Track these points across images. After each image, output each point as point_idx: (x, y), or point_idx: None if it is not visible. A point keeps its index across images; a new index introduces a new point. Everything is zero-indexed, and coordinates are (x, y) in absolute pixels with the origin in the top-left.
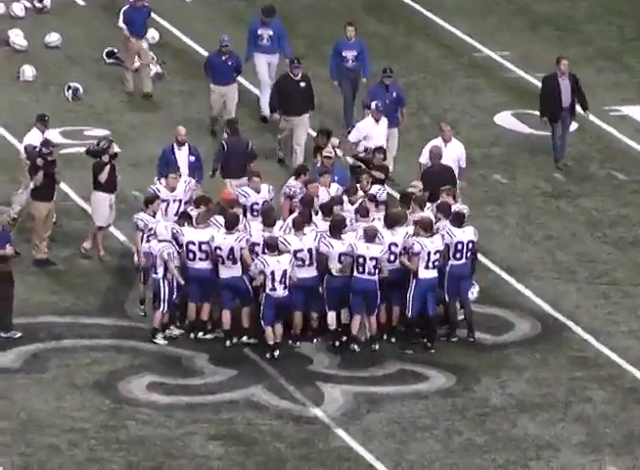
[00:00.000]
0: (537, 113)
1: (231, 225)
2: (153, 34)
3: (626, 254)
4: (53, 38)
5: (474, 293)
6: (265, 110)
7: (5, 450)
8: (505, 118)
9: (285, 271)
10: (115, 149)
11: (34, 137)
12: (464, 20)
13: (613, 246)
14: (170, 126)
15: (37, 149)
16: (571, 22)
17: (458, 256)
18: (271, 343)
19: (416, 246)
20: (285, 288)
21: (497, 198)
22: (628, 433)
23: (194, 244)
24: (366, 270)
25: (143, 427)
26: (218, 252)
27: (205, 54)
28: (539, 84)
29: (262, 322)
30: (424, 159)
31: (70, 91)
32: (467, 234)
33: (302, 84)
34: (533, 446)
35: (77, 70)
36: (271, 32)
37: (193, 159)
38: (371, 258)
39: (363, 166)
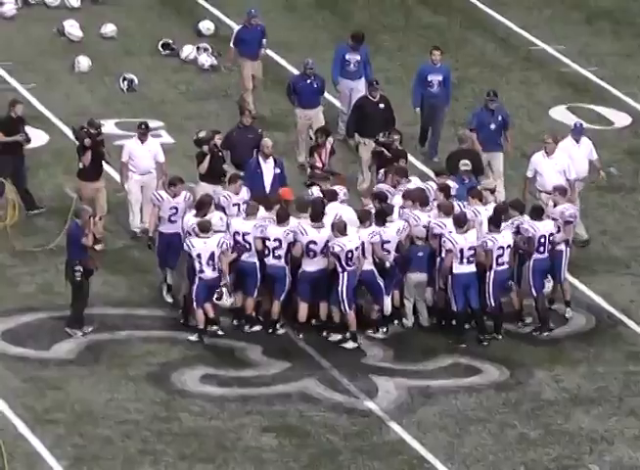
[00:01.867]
0: (591, 107)
1: (282, 220)
2: (208, 26)
3: None
4: (108, 29)
5: (548, 286)
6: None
7: (59, 442)
8: (560, 112)
9: (212, 253)
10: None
11: (134, 146)
12: (519, 13)
13: None
14: (225, 118)
15: (84, 129)
16: (626, 15)
17: (541, 249)
18: (202, 326)
19: (447, 243)
20: (213, 270)
21: None
22: None
23: (238, 234)
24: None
25: (196, 419)
26: (312, 246)
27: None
28: (594, 78)
29: (195, 304)
30: (530, 173)
31: (126, 82)
32: (547, 227)
33: (381, 105)
34: (587, 440)
35: (133, 62)
36: (358, 58)
37: (278, 171)
38: (357, 248)
39: (384, 151)
